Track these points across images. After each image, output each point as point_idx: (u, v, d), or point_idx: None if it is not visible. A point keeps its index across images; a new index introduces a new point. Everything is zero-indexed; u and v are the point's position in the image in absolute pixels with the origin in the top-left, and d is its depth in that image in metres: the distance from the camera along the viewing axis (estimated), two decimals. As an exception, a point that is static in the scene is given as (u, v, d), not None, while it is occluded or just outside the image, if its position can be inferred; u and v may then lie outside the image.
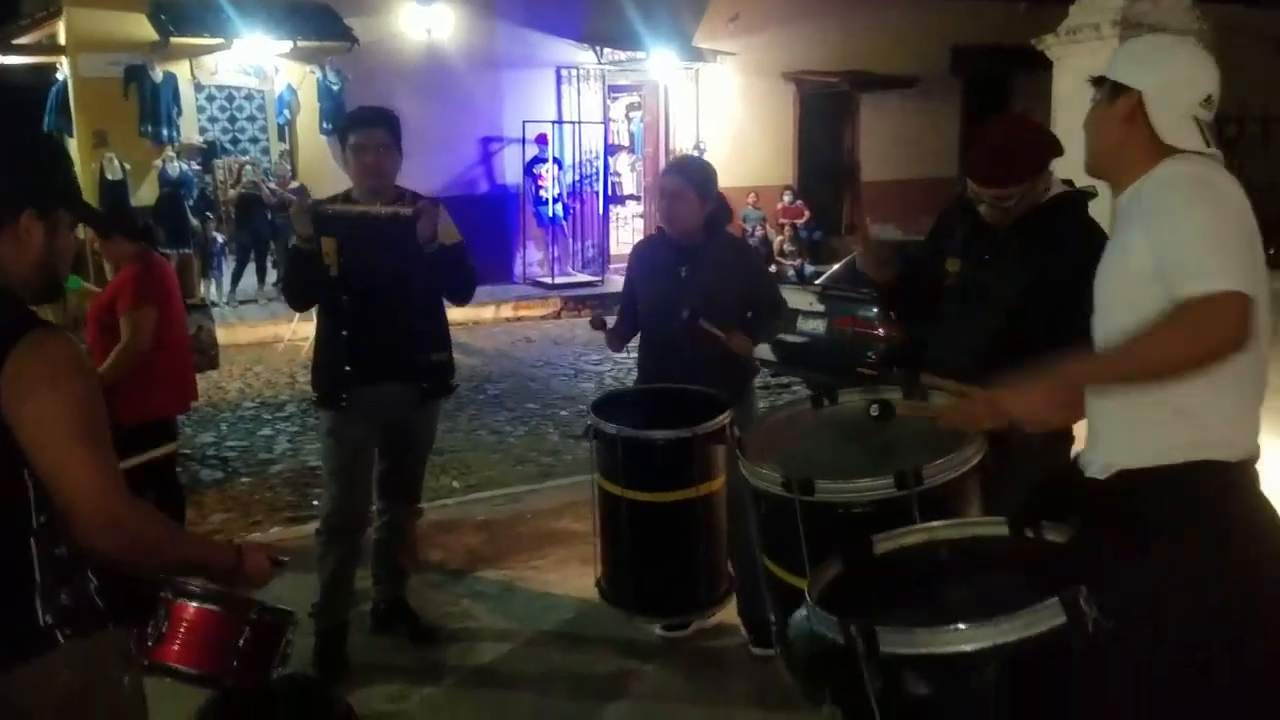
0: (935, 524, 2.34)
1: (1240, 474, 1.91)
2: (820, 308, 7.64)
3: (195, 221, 11.39)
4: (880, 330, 7.14)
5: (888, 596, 2.17)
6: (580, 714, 3.29)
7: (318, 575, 3.54)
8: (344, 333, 3.43)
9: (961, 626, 1.83)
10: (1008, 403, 1.97)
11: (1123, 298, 1.95)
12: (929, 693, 1.84)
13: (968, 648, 1.80)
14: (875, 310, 7.12)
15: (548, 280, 13.18)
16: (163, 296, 4.24)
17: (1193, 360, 1.79)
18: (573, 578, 4.19)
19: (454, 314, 12.16)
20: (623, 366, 8.87)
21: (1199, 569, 1.82)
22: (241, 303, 11.64)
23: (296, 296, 3.66)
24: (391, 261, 3.36)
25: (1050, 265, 2.76)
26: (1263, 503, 1.95)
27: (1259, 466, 1.99)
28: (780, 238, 14.37)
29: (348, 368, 3.42)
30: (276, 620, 2.11)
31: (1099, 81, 2.08)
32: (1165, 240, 1.84)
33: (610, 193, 14.15)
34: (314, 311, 3.75)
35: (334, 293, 3.43)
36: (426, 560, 4.46)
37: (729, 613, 3.69)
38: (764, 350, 8.59)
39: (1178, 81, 1.99)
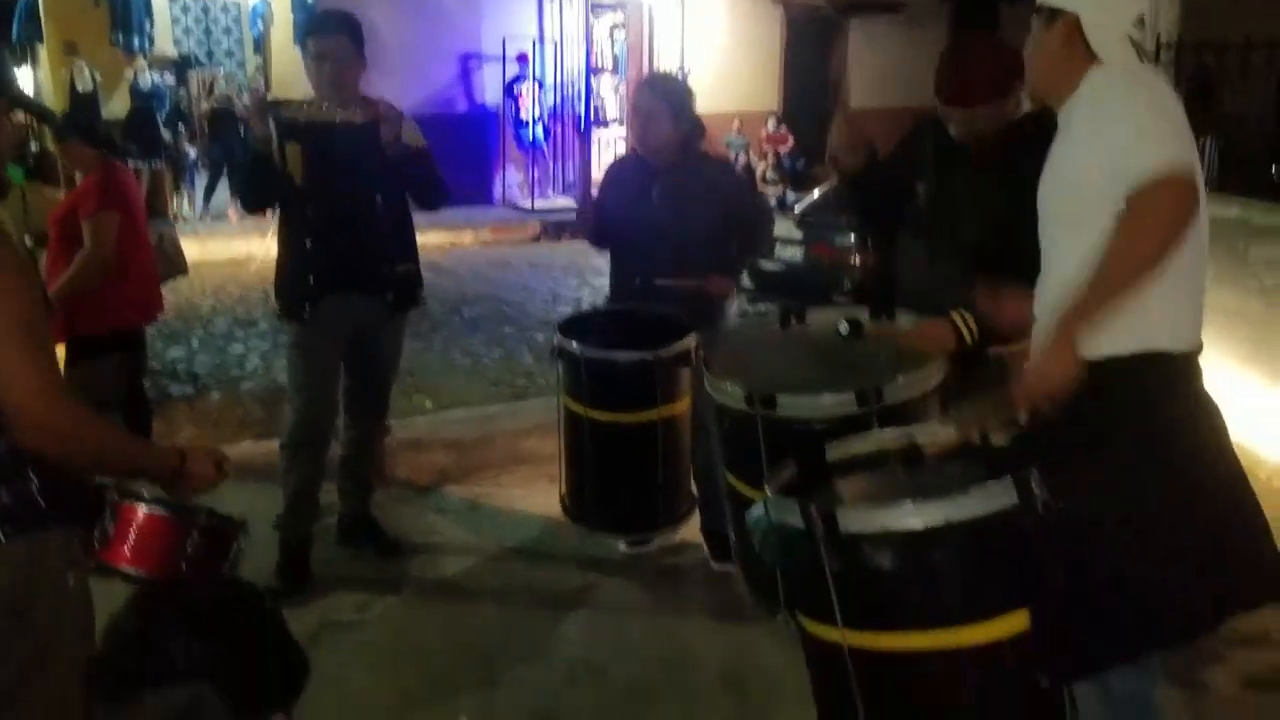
0: (885, 431, 2.39)
1: (1185, 366, 2.00)
2: (798, 235, 7.61)
3: (167, 135, 11.18)
4: (856, 259, 7.13)
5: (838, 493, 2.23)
6: (541, 625, 3.32)
7: (282, 488, 3.54)
8: (307, 243, 3.38)
9: (915, 504, 1.89)
10: (1037, 386, 2.02)
11: (1066, 208, 2.01)
12: (885, 571, 1.91)
13: (923, 524, 1.87)
14: (852, 239, 7.10)
15: (527, 205, 13.04)
16: (125, 204, 4.17)
17: (1163, 248, 1.88)
18: (539, 496, 4.20)
19: (430, 237, 12.07)
20: (601, 291, 8.82)
21: (1144, 457, 1.90)
22: (215, 219, 11.48)
23: (250, 198, 3.62)
24: (355, 168, 3.30)
25: (1019, 186, 2.74)
26: (1205, 396, 2.03)
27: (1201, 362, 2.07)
28: (764, 165, 14.25)
29: (311, 279, 3.38)
30: (226, 527, 2.10)
31: (1038, 10, 2.17)
32: (1107, 134, 1.94)
33: (592, 115, 13.94)
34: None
35: (297, 202, 3.37)
36: (394, 477, 4.47)
37: (692, 530, 3.73)
38: (740, 276, 8.61)
39: (1110, 3, 2.10)
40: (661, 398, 3.40)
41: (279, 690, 1.19)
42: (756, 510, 2.10)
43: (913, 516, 1.88)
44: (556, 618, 3.37)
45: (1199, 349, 2.04)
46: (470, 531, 4.02)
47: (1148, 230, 1.86)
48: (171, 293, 8.10)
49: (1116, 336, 1.96)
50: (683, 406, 3.47)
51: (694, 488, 3.66)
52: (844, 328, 2.82)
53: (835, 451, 2.34)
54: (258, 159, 3.32)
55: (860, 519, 1.92)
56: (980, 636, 1.88)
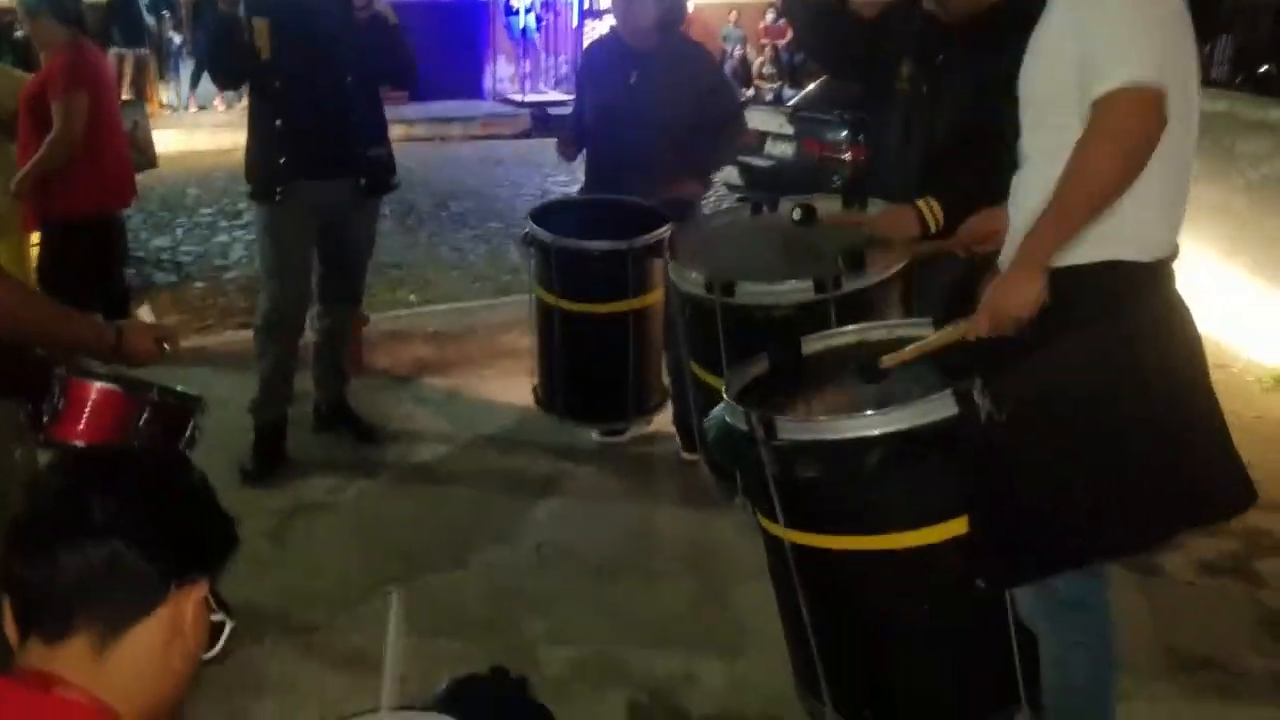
0: (866, 325, 2.38)
1: (1152, 275, 1.88)
2: (789, 130, 7.48)
3: (151, 20, 10.91)
4: (847, 155, 7.02)
5: (804, 394, 2.22)
6: (513, 509, 3.38)
7: (256, 372, 3.56)
8: (277, 122, 3.33)
9: (854, 416, 1.92)
10: (1000, 309, 1.89)
11: (1042, 93, 1.91)
12: (821, 478, 1.94)
13: (857, 434, 1.89)
14: (843, 134, 6.98)
15: (518, 97, 12.81)
16: (95, 84, 4.08)
17: (1124, 170, 1.76)
18: (517, 388, 4.22)
19: (418, 130, 11.84)
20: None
21: (1100, 365, 1.83)
22: (201, 108, 11.29)
23: (218, 71, 3.58)
24: (324, 43, 3.24)
25: (999, 65, 2.67)
26: (1173, 305, 1.92)
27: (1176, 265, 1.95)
28: (760, 59, 13.96)
29: (282, 160, 3.34)
30: (181, 404, 2.10)
31: None
32: (1083, 27, 1.79)
33: (585, 5, 13.59)
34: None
35: (266, 78, 3.30)
36: (373, 367, 4.49)
37: (665, 421, 3.76)
38: (730, 174, 8.49)
39: None
40: (634, 289, 3.40)
41: (202, 557, 1.20)
42: (717, 412, 2.13)
43: (849, 428, 1.89)
44: (527, 503, 3.42)
45: (1172, 256, 1.92)
46: (447, 420, 4.05)
47: (1106, 157, 1.74)
48: (158, 182, 8.08)
49: (1078, 246, 1.85)
50: (655, 298, 3.47)
51: (666, 381, 3.69)
52: (796, 213, 2.80)
53: (813, 345, 2.33)
54: (222, 26, 3.25)
55: (797, 428, 1.93)
56: (916, 540, 1.91)
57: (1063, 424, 1.82)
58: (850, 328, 2.35)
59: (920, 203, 2.60)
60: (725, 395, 2.12)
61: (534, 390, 3.72)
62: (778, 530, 2.00)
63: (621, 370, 3.53)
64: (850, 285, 2.55)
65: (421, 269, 6.74)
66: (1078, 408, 1.82)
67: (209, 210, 8.00)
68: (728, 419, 2.05)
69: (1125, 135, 1.73)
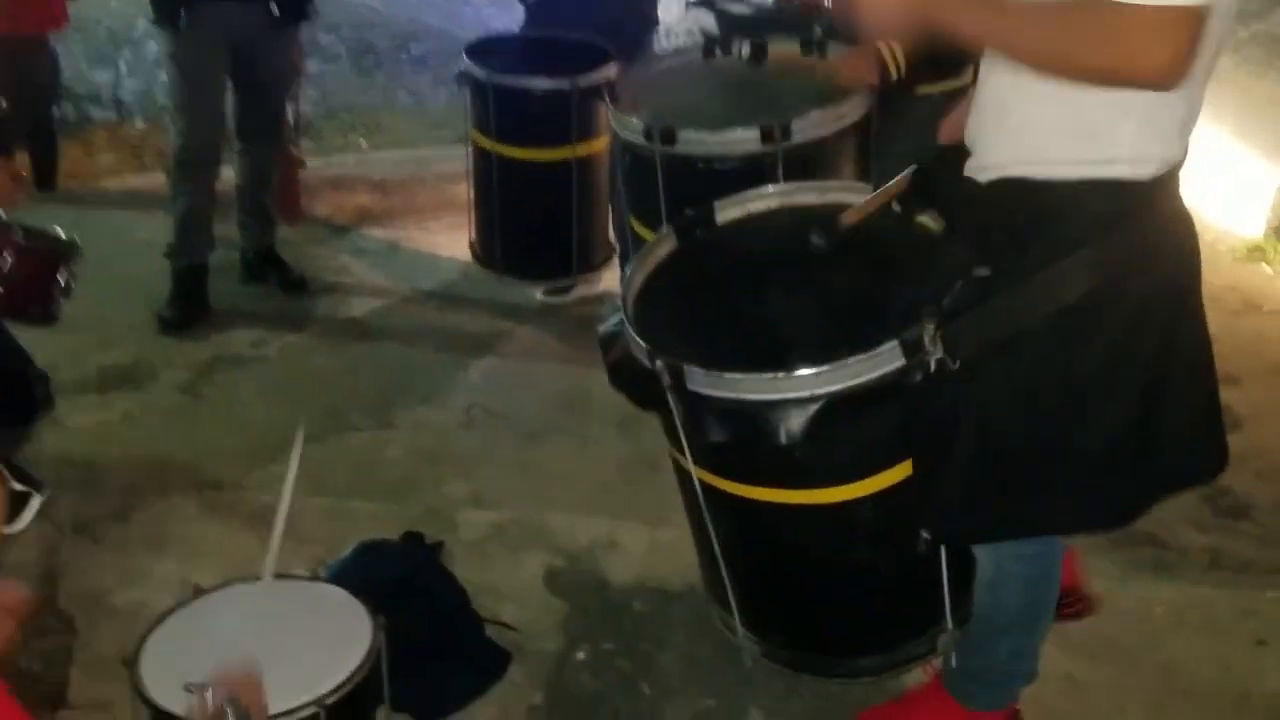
0: (793, 185, 2.12)
1: (1150, 193, 1.51)
2: (768, -26, 7.08)
3: None
4: (827, 2, 6.65)
5: (715, 292, 1.92)
6: (444, 369, 3.24)
7: (170, 215, 3.37)
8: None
9: (778, 375, 1.60)
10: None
11: None
12: (735, 433, 1.68)
13: (784, 396, 1.61)
14: (824, -19, 6.61)
15: (491, -66, 12.14)
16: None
17: (1095, 75, 1.37)
18: (462, 242, 4.00)
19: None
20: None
21: (1074, 309, 1.49)
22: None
23: None
24: None
25: None
26: (1169, 229, 1.57)
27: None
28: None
29: (186, -20, 3.05)
30: (51, 247, 1.93)
31: None
32: None
33: None
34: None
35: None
36: (312, 215, 4.26)
37: (613, 280, 3.59)
38: (707, 22, 8.09)
39: None
40: (578, 133, 3.18)
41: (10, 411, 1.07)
42: (612, 321, 1.86)
43: (775, 388, 1.60)
44: (461, 363, 3.28)
45: (1178, 166, 1.54)
46: (384, 274, 3.87)
47: (1094, 48, 1.30)
48: (105, 14, 7.61)
49: (1060, 157, 1.49)
50: (601, 145, 3.25)
51: (613, 237, 3.50)
52: (745, 49, 2.58)
53: (729, 211, 2.03)
54: None
55: (712, 382, 1.63)
56: (843, 496, 1.69)
57: (1025, 377, 1.52)
58: (771, 189, 2.04)
59: (882, 46, 2.38)
60: (623, 308, 1.81)
61: (471, 245, 3.54)
62: (685, 464, 1.78)
63: (564, 223, 3.34)
64: (801, 135, 2.34)
65: (376, 113, 6.43)
66: (1044, 359, 1.51)
67: (155, 45, 7.55)
68: (631, 351, 1.74)
69: (1134, 59, 1.28)
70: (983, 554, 1.72)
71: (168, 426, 2.89)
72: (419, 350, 3.34)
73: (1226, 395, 3.01)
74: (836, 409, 1.60)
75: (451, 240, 4.12)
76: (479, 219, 3.45)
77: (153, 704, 1.53)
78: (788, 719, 1.96)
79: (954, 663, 1.82)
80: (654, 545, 2.44)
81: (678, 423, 1.72)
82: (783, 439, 1.63)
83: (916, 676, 1.99)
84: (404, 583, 2.09)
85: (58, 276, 1.94)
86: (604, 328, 1.87)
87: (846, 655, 1.86)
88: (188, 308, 3.35)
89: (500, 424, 2.97)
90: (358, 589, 1.81)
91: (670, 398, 1.68)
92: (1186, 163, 1.54)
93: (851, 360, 1.56)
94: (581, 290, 3.66)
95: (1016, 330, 1.50)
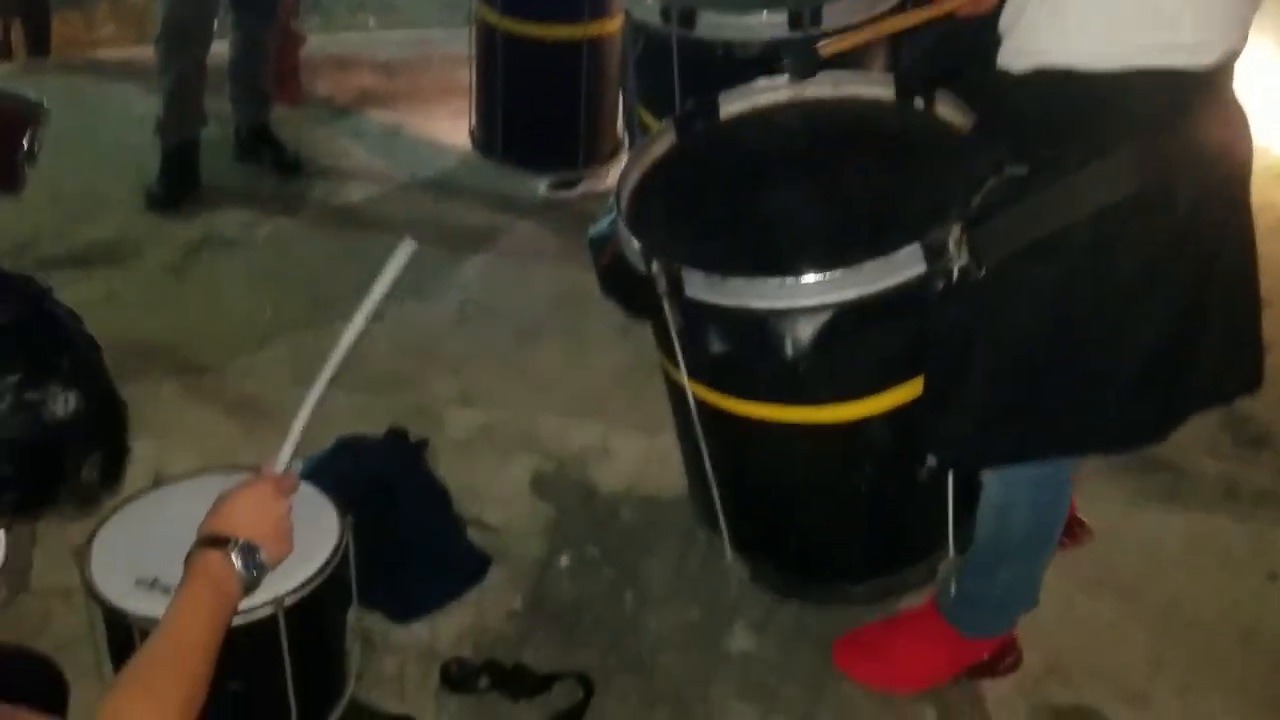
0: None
1: (1207, 83, 1.39)
2: None
3: None
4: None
5: (717, 191, 1.80)
6: (439, 262, 3.11)
7: (160, 88, 3.22)
8: None
9: (787, 281, 1.49)
10: None
11: None
12: (737, 344, 1.58)
13: (791, 305, 1.50)
14: None
15: None
16: None
17: None
18: (465, 131, 3.87)
19: None
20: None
21: (1115, 211, 1.37)
22: None
23: None
24: None
25: None
26: (1225, 120, 1.44)
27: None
28: None
29: None
30: (15, 109, 1.80)
31: None
32: None
33: None
34: None
35: None
36: (312, 94, 4.09)
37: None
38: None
39: None
40: (590, 9, 3.00)
41: None
42: (602, 224, 1.75)
43: (782, 293, 1.49)
44: (457, 257, 3.15)
45: (1236, 55, 1.40)
46: (384, 159, 3.72)
47: None
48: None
49: (1108, 46, 1.35)
50: (615, 26, 3.06)
51: (621, 129, 3.33)
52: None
53: (735, 105, 1.90)
54: None
55: (713, 289, 1.52)
56: (848, 415, 1.60)
57: (1056, 288, 1.40)
58: (781, 80, 1.88)
59: None
60: (616, 206, 1.70)
61: (471, 131, 3.38)
62: (679, 377, 1.68)
63: (572, 111, 3.18)
64: (832, 22, 2.17)
65: (385, -11, 6.18)
66: (1079, 269, 1.38)
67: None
68: (625, 253, 1.64)
69: None
70: (991, 478, 1.62)
71: (151, 307, 2.80)
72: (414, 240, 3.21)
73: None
74: (848, 320, 1.49)
75: (455, 127, 3.94)
76: (481, 103, 3.30)
77: (100, 597, 1.46)
78: (774, 635, 1.89)
79: (952, 588, 1.73)
80: (647, 453, 2.35)
81: (673, 333, 1.61)
82: (788, 352, 1.53)
83: (910, 598, 1.92)
84: (382, 481, 2.02)
85: (22, 141, 1.81)
86: (595, 229, 1.76)
87: (840, 581, 1.78)
88: (177, 185, 3.23)
89: (494, 321, 2.86)
90: (334, 486, 1.73)
91: (666, 305, 1.56)
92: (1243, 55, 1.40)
93: (867, 265, 1.44)
94: (587, 185, 3.49)
95: (1051, 235, 1.37)
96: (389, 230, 3.27)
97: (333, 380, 1.41)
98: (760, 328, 1.54)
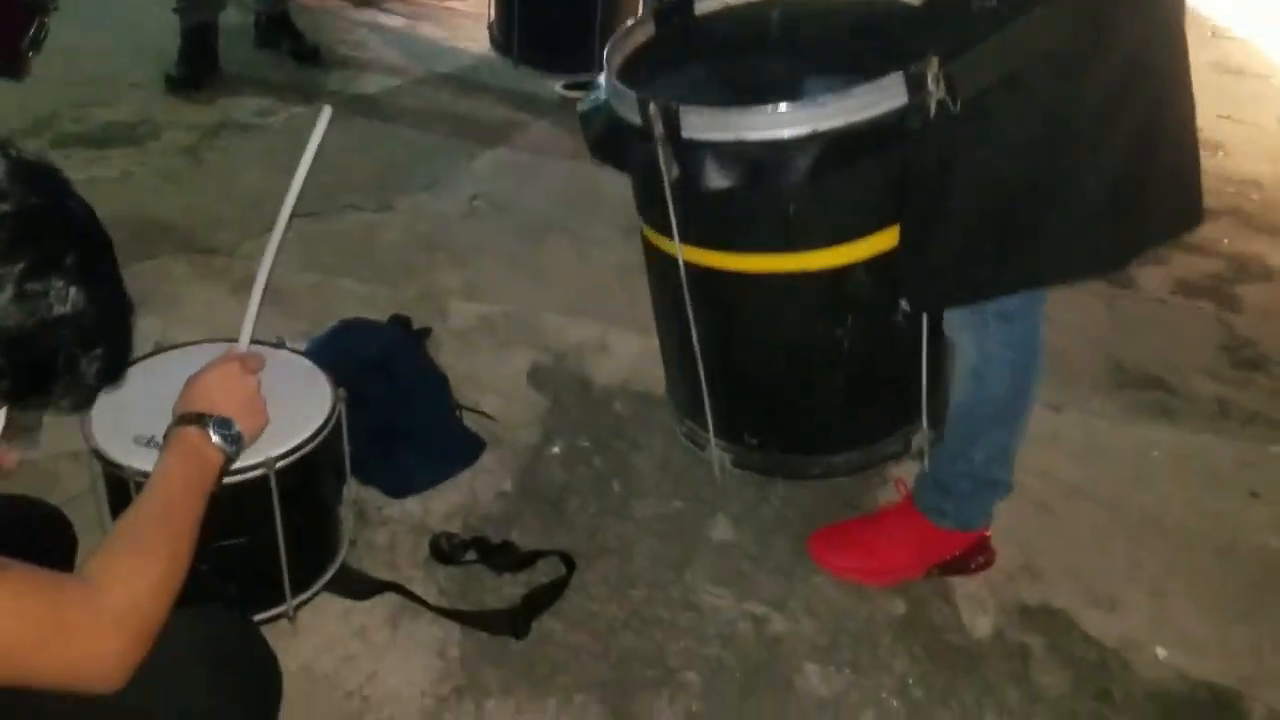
0: None
1: None
2: None
3: None
4: None
5: (703, 63, 1.84)
6: (453, 156, 3.13)
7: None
8: None
9: (780, 108, 1.52)
10: None
11: None
12: (734, 183, 1.58)
13: (784, 134, 1.52)
14: None
15: None
16: None
17: None
18: (485, 30, 3.84)
19: None
20: None
21: (1081, 42, 1.41)
22: None
23: None
24: None
25: None
26: None
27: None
28: None
29: None
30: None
31: None
32: None
33: None
34: None
35: None
36: (331, -18, 4.08)
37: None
38: None
39: None
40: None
41: None
42: (591, 99, 1.76)
43: (772, 125, 1.52)
44: (470, 152, 3.16)
45: None
46: (401, 53, 3.71)
47: None
48: None
49: None
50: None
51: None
52: None
53: (708, 2, 1.91)
54: None
55: (709, 123, 1.54)
56: (832, 261, 1.63)
57: (1027, 117, 1.45)
58: None
59: None
60: (605, 70, 1.73)
61: (490, 29, 3.36)
62: (670, 247, 1.70)
63: (588, 12, 3.16)
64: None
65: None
66: (1047, 98, 1.44)
67: None
68: (614, 106, 1.66)
69: None
70: (968, 340, 1.66)
71: (165, 188, 2.83)
72: (428, 135, 3.22)
73: (1259, 245, 2.92)
74: (837, 151, 1.53)
75: (475, 24, 3.92)
76: (499, 3, 3.26)
77: (100, 453, 1.52)
78: (755, 526, 1.94)
79: (926, 466, 1.78)
80: (644, 351, 2.38)
81: (666, 187, 1.62)
82: (782, 185, 1.57)
83: (889, 496, 1.96)
84: (381, 361, 2.06)
85: (29, 30, 1.83)
86: (584, 105, 1.77)
87: (819, 452, 1.82)
88: (195, 67, 3.24)
89: (502, 217, 2.87)
90: (332, 362, 1.78)
91: (661, 154, 1.58)
92: None
93: (856, 91, 1.49)
94: (603, 86, 3.49)
95: (1019, 70, 1.42)
96: (403, 123, 3.28)
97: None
98: (756, 165, 1.57)
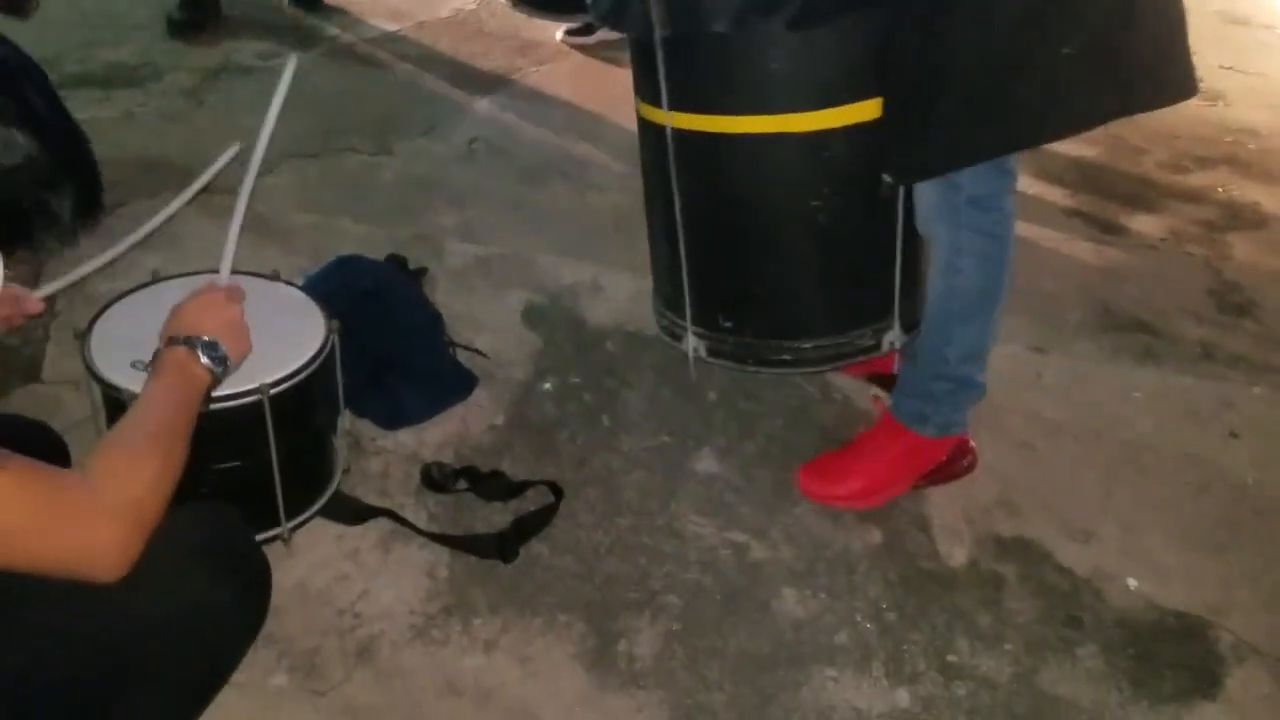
0: None
1: None
2: None
3: None
4: None
5: None
6: (453, 99, 3.17)
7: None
8: None
9: None
10: None
11: None
12: (726, 30, 1.63)
13: None
14: None
15: None
16: None
17: None
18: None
19: None
20: None
21: None
22: None
23: None
24: None
25: None
26: None
27: None
28: None
29: None
30: None
31: None
32: None
33: None
34: None
35: None
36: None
37: (637, 23, 3.42)
38: None
39: None
40: None
41: None
42: None
43: None
44: (471, 95, 3.19)
45: None
46: (405, -2, 3.72)
47: None
48: None
49: None
50: None
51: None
52: None
53: None
54: None
55: None
56: (818, 124, 1.67)
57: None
58: None
59: None
60: None
61: (494, -27, 3.37)
62: (659, 116, 1.75)
63: (588, -45, 3.14)
64: None
65: None
66: None
67: None
68: None
69: None
70: (942, 230, 1.70)
71: (167, 128, 2.87)
72: (428, 79, 3.24)
73: (1256, 193, 2.92)
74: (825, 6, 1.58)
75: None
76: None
77: (97, 374, 1.57)
78: (739, 459, 1.98)
79: (900, 371, 1.83)
80: (638, 293, 2.41)
81: (658, 43, 1.66)
82: (771, 38, 1.61)
83: (866, 424, 2.00)
84: (376, 296, 2.10)
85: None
86: None
87: (791, 337, 1.84)
88: (198, 12, 3.27)
89: (501, 160, 2.90)
90: (328, 296, 1.82)
91: (654, 8, 1.61)
92: None
93: None
94: (604, 33, 3.49)
95: None
96: (404, 68, 3.30)
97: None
98: (740, 8, 1.60)
